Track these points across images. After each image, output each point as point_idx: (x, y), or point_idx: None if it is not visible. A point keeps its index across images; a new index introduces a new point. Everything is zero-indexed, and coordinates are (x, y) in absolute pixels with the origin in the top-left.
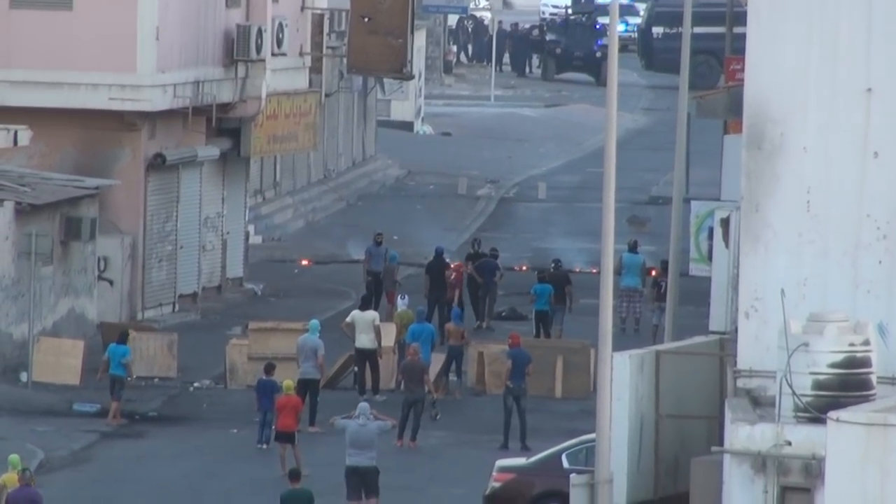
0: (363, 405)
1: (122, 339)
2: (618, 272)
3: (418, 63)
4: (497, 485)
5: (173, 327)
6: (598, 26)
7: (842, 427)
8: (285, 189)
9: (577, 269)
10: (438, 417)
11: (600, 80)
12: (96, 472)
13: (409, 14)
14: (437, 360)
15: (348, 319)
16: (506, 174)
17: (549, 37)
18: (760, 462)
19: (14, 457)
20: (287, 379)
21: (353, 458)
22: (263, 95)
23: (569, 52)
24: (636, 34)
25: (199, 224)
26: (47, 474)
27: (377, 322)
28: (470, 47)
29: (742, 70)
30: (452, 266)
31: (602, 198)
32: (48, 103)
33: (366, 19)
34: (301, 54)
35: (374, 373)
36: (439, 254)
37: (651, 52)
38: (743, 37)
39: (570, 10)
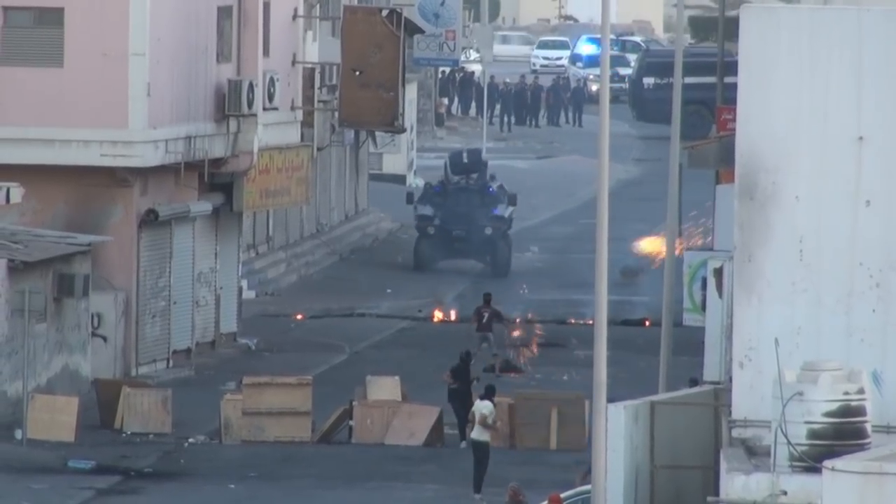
0: None
1: None
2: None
3: (410, 116)
4: None
5: (167, 383)
6: (490, 189)
7: (837, 476)
8: (278, 243)
9: (572, 321)
10: None
11: (498, 269)
12: None
13: (400, 67)
14: None
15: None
16: None
17: (420, 211)
18: None
19: None
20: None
21: None
22: (255, 150)
23: (448, 232)
24: (627, 85)
25: (193, 279)
26: None
27: (484, 412)
28: (456, 99)
29: (733, 120)
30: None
31: (595, 249)
32: (40, 160)
33: (357, 73)
34: (292, 108)
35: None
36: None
37: (642, 103)
38: (734, 86)
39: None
